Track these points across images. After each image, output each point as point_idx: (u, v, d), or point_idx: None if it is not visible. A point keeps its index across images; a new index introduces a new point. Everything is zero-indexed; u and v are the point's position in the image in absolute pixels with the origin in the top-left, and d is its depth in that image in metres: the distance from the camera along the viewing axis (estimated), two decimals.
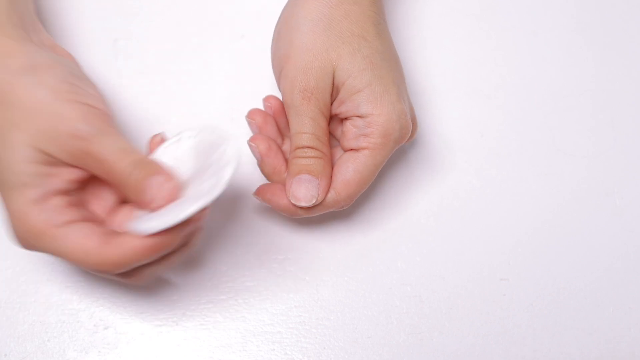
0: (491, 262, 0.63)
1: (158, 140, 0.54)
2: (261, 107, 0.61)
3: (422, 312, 0.62)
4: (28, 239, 0.49)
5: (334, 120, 0.59)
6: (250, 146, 0.59)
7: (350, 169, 0.57)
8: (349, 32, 0.57)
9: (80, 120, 0.49)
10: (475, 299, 0.62)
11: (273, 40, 0.60)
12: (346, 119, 0.58)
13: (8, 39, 0.52)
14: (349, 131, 0.57)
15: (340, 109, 0.57)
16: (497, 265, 0.63)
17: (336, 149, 0.60)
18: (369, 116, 0.56)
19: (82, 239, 0.48)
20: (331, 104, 0.58)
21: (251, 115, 0.60)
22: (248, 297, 0.62)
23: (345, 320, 0.62)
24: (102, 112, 0.51)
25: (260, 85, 0.65)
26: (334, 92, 0.57)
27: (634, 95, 0.69)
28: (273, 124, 0.60)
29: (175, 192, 0.49)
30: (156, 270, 0.53)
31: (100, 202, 0.53)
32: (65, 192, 0.50)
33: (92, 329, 0.61)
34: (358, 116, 0.57)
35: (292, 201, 0.57)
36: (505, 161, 0.66)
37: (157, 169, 0.50)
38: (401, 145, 0.59)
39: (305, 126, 0.56)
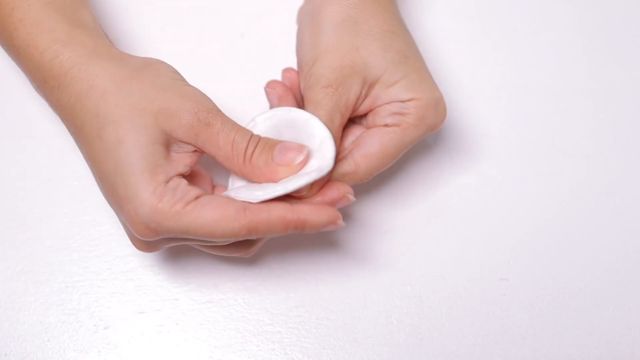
0: (491, 262, 0.63)
1: None
2: (262, 107, 0.62)
3: (422, 312, 0.62)
4: (160, 222, 0.50)
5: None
6: (267, 92, 0.59)
7: (377, 142, 0.56)
8: (378, 29, 0.57)
9: (202, 96, 0.53)
10: (475, 299, 0.62)
11: (297, 47, 0.60)
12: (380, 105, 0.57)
13: (114, 47, 0.55)
14: (383, 110, 0.57)
15: (376, 103, 0.57)
16: (497, 265, 0.63)
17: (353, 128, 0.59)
18: (410, 100, 0.56)
19: (222, 206, 0.50)
20: (359, 103, 0.57)
21: (272, 85, 0.60)
22: (248, 297, 0.62)
23: (345, 320, 0.62)
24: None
25: (261, 85, 0.65)
26: (366, 89, 0.57)
27: (634, 96, 0.69)
28: (293, 96, 0.60)
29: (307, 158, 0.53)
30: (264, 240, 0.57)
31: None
32: (182, 175, 0.52)
33: (92, 329, 0.61)
34: (397, 101, 0.56)
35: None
36: (505, 161, 0.66)
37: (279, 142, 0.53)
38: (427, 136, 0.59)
39: (320, 118, 0.55)
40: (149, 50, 0.67)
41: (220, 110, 0.53)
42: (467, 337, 0.61)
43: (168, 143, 0.52)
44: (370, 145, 0.56)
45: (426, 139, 0.66)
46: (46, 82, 0.54)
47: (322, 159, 0.53)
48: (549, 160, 0.66)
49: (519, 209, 0.65)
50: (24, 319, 0.61)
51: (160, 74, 0.53)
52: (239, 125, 0.53)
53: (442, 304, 0.62)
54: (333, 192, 0.54)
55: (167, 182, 0.51)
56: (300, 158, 0.52)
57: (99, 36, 0.56)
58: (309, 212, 0.52)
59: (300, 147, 0.53)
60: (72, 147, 0.64)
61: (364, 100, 0.57)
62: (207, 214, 0.50)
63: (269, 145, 0.53)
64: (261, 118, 0.55)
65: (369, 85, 0.57)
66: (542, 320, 0.62)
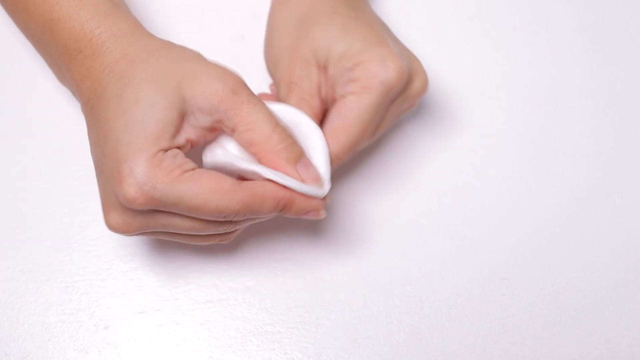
0: (491, 262, 0.63)
1: None
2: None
3: (422, 312, 0.62)
4: (155, 186, 0.50)
5: None
6: None
7: (336, 116, 0.56)
8: (319, 14, 0.58)
9: (232, 70, 0.53)
10: (475, 299, 0.62)
11: (264, 57, 0.62)
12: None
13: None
14: (337, 84, 0.57)
15: (336, 81, 0.57)
16: (497, 265, 0.63)
17: None
18: (355, 66, 0.56)
19: (217, 179, 0.50)
20: (323, 90, 0.57)
21: (260, 97, 0.60)
22: (248, 297, 0.62)
23: (345, 320, 0.62)
24: None
25: (261, 85, 0.65)
26: (323, 73, 0.57)
27: (634, 96, 0.69)
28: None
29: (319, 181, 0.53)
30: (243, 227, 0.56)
31: None
32: (181, 148, 0.52)
33: (92, 329, 0.61)
34: (344, 71, 0.56)
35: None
36: (505, 161, 0.66)
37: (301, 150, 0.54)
38: (411, 103, 0.58)
39: None
40: None
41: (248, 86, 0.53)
42: (467, 337, 0.62)
43: (184, 112, 0.51)
44: (333, 120, 0.56)
45: (424, 139, 0.66)
46: (81, 51, 0.55)
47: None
48: (549, 160, 0.66)
49: (519, 209, 0.65)
50: (24, 319, 0.61)
51: (191, 50, 0.55)
52: (267, 107, 0.53)
53: (442, 304, 0.62)
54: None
55: (167, 150, 0.50)
56: (315, 184, 0.53)
57: (136, 19, 0.57)
58: (299, 196, 0.52)
59: (319, 178, 0.53)
60: (72, 147, 0.64)
61: (325, 85, 0.57)
62: (203, 183, 0.50)
63: (298, 149, 0.53)
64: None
65: (323, 69, 0.57)
66: (542, 320, 0.62)
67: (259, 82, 0.65)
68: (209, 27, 0.69)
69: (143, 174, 0.49)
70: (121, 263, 0.62)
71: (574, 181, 0.66)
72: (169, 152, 0.50)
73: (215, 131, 0.53)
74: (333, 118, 0.56)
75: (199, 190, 0.50)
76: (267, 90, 0.63)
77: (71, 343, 0.61)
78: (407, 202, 0.65)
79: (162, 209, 0.51)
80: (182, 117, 0.51)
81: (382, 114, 0.57)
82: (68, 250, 0.62)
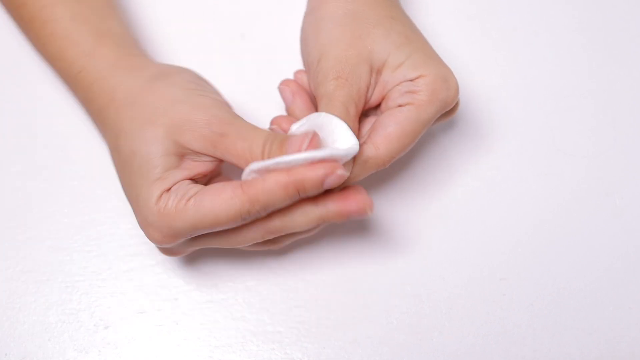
0: (491, 262, 0.63)
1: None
2: (262, 106, 0.62)
3: (422, 312, 0.62)
4: (170, 225, 0.52)
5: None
6: (280, 90, 0.60)
7: (392, 122, 0.55)
8: (377, 17, 0.57)
9: (215, 107, 0.53)
10: (475, 299, 0.62)
11: (302, 48, 0.60)
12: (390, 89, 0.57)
13: (138, 56, 0.58)
14: (394, 92, 0.56)
15: (386, 88, 0.57)
16: (497, 265, 0.63)
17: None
18: (418, 78, 0.56)
19: (216, 191, 0.51)
20: (370, 92, 0.57)
21: (285, 82, 0.60)
22: (248, 297, 0.62)
23: (345, 320, 0.62)
24: (227, 103, 0.56)
25: (261, 85, 0.65)
26: (375, 76, 0.57)
27: (634, 96, 0.69)
28: (306, 93, 0.60)
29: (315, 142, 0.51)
30: (292, 237, 0.56)
31: None
32: (195, 180, 0.54)
33: (92, 329, 0.61)
34: (405, 81, 0.56)
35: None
36: (505, 161, 0.66)
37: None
38: (445, 120, 0.59)
39: (336, 110, 0.55)
40: (148, 51, 0.67)
41: (236, 117, 0.53)
42: (467, 337, 0.61)
43: (183, 153, 0.53)
44: (387, 126, 0.55)
45: (424, 139, 0.66)
46: (77, 93, 0.56)
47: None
48: (549, 160, 0.66)
49: (519, 209, 0.65)
50: (24, 319, 0.61)
51: (175, 84, 0.54)
52: (255, 128, 0.53)
53: (442, 304, 0.62)
54: (351, 202, 0.53)
55: (170, 189, 0.52)
56: (306, 142, 0.51)
57: (124, 45, 0.57)
58: (304, 170, 0.51)
59: (306, 134, 0.52)
60: (72, 147, 0.65)
61: (374, 88, 0.57)
62: (206, 202, 0.51)
63: (279, 140, 0.52)
64: (296, 126, 0.55)
65: (376, 72, 0.57)
66: (542, 320, 0.62)
67: (259, 82, 0.65)
68: (209, 27, 0.69)
69: (156, 221, 0.52)
70: (121, 263, 0.62)
71: (574, 181, 0.66)
72: (172, 188, 0.52)
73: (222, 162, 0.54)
74: (389, 124, 0.55)
75: (205, 210, 0.51)
76: (269, 90, 0.63)
77: (71, 343, 0.61)
78: (407, 202, 0.65)
79: (193, 236, 0.53)
80: (182, 157, 0.53)
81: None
82: (68, 250, 0.62)
